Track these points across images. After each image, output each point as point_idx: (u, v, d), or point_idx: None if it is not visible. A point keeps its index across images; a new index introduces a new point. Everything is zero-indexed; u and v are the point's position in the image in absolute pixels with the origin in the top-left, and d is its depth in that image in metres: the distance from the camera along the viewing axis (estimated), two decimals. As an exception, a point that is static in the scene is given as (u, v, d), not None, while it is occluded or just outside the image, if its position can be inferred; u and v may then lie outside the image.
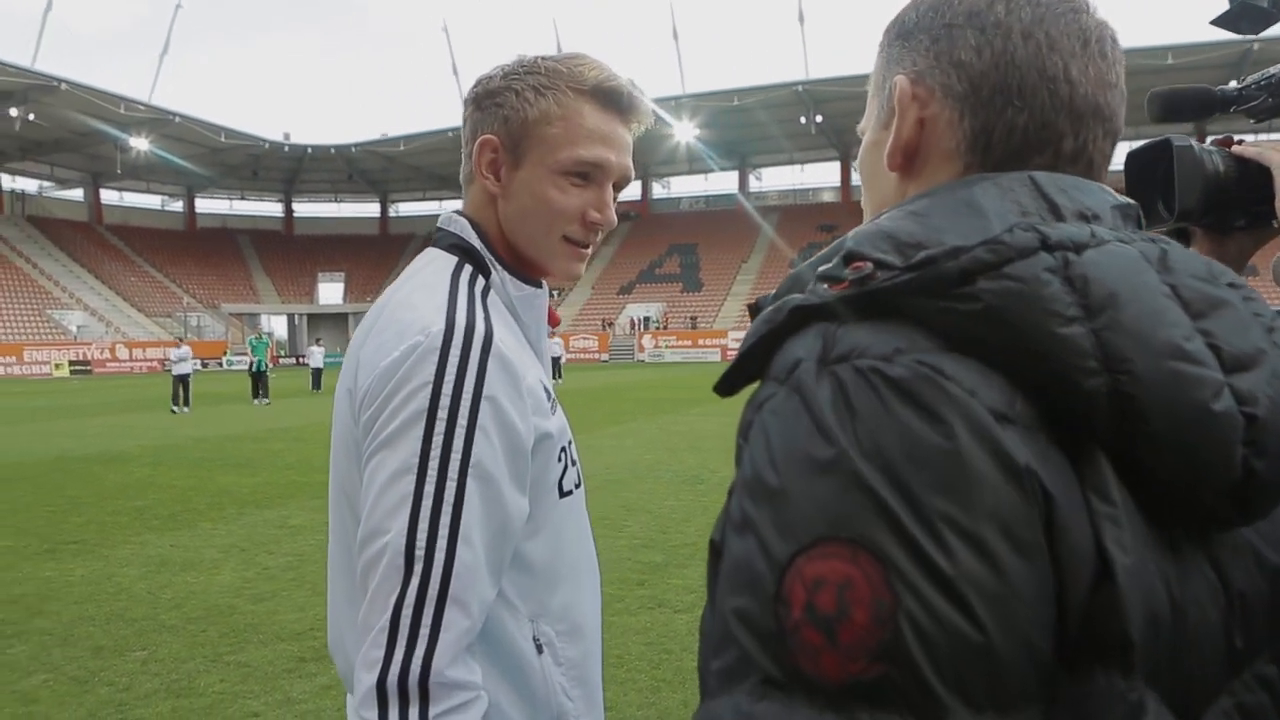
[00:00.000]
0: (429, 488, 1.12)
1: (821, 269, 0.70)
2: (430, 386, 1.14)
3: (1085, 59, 0.75)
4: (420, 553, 1.11)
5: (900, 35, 0.81)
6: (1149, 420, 0.59)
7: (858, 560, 0.55)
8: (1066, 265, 0.62)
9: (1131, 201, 0.76)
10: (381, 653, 1.09)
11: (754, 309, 0.78)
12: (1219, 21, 1.25)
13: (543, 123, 1.31)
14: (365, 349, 1.23)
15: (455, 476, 1.13)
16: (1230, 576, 0.65)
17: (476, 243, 1.33)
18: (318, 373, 30.31)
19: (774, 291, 0.76)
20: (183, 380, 22.62)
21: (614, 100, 1.34)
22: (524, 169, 1.32)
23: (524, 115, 1.31)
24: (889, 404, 0.58)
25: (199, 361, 53.91)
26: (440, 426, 1.13)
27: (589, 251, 1.39)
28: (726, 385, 0.73)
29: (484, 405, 1.15)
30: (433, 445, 1.13)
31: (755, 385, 0.70)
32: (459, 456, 1.13)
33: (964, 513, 0.56)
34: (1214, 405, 0.60)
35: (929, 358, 0.60)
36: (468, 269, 1.31)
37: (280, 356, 25.52)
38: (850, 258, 0.67)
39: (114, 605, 5.95)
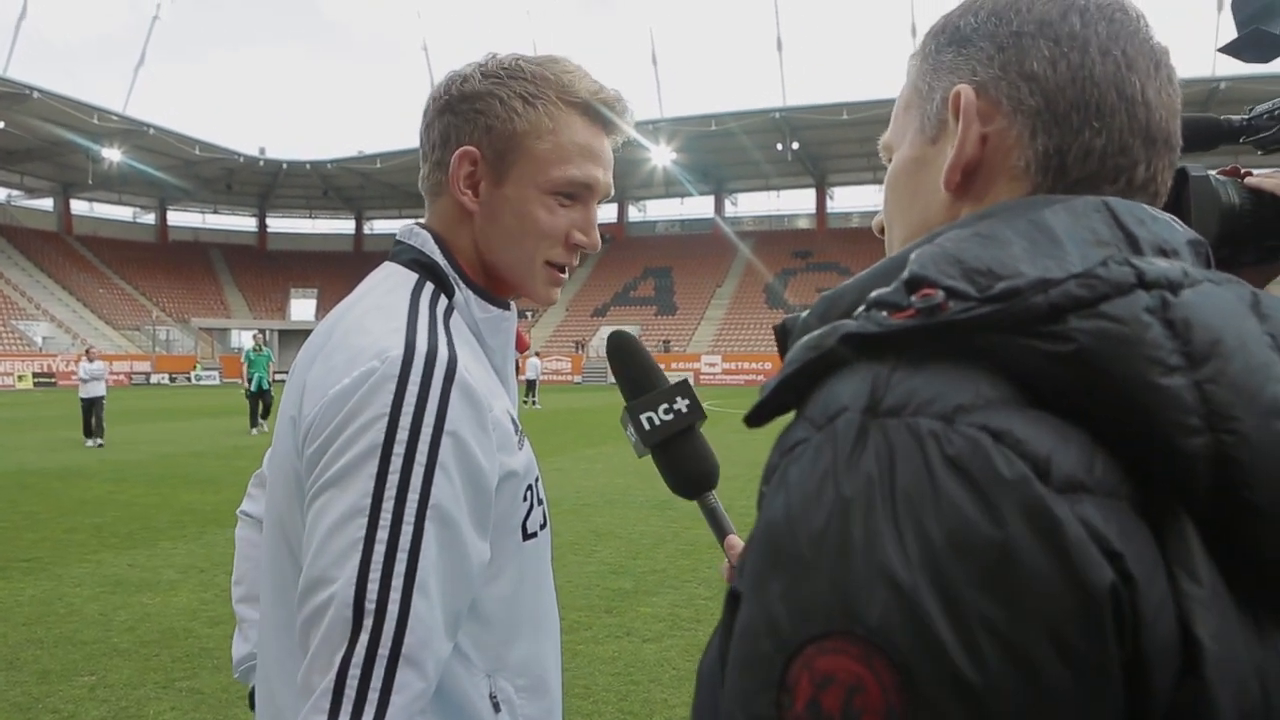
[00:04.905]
0: (382, 532, 1.00)
1: (877, 293, 0.60)
2: (386, 419, 1.02)
3: (1158, 82, 0.69)
4: (371, 605, 0.98)
5: (954, 41, 0.73)
6: (1253, 488, 0.51)
7: (871, 662, 0.49)
8: (1165, 306, 0.55)
9: (1202, 238, 0.68)
10: (324, 718, 0.97)
11: (781, 332, 0.71)
12: (1229, 49, 1.19)
13: (531, 136, 1.20)
14: (312, 373, 1.11)
15: (412, 519, 1.01)
16: None
17: (440, 259, 1.22)
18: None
19: (804, 313, 0.68)
20: (93, 404, 17.09)
21: (604, 115, 1.24)
22: (508, 186, 1.21)
23: (511, 127, 1.19)
24: (937, 479, 0.51)
25: (165, 375, 53.44)
26: (396, 464, 1.01)
27: (567, 276, 1.29)
28: (757, 418, 0.64)
29: (445, 440, 1.04)
30: (387, 484, 1.01)
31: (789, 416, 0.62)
32: (416, 497, 1.01)
33: (1006, 615, 0.48)
34: None
35: (995, 419, 0.52)
36: (429, 287, 1.19)
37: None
38: (915, 283, 0.58)
39: (64, 627, 5.75)
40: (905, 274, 0.59)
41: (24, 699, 4.58)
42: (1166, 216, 0.67)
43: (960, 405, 0.53)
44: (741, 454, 9.94)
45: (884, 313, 0.58)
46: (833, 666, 0.50)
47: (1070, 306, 0.54)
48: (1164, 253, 0.62)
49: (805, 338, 0.61)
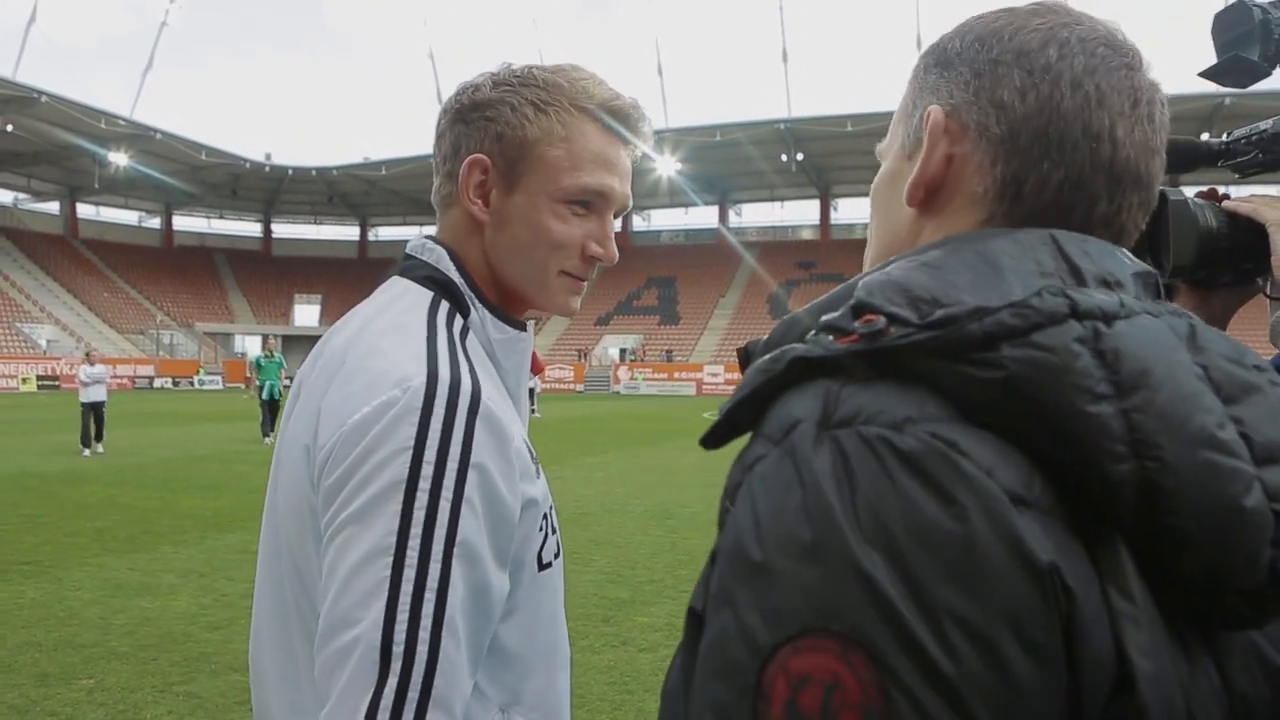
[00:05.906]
0: (409, 571, 0.96)
1: (826, 318, 0.64)
2: (409, 452, 0.98)
3: (1133, 120, 0.70)
4: (399, 648, 0.94)
5: (939, 63, 0.75)
6: (1177, 514, 0.54)
7: (849, 658, 0.50)
8: (1097, 337, 0.57)
9: (1151, 269, 0.70)
10: None
11: (744, 355, 0.73)
12: (1208, 74, 1.20)
13: (543, 143, 1.16)
14: (328, 399, 1.05)
15: (439, 558, 0.97)
16: (1233, 678, 0.59)
17: (456, 276, 1.17)
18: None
19: (766, 337, 0.71)
20: (94, 409, 16.28)
21: (619, 121, 1.21)
22: (519, 195, 1.17)
23: (522, 134, 1.15)
24: (896, 479, 0.53)
25: (169, 380, 53.44)
26: (422, 499, 0.97)
27: (585, 284, 1.25)
28: (714, 439, 0.67)
29: (471, 474, 1.00)
30: (413, 522, 0.97)
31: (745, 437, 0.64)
32: (443, 534, 0.97)
33: (973, 607, 0.50)
34: (1245, 501, 0.54)
35: (942, 429, 0.55)
36: (444, 306, 1.14)
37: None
38: (860, 309, 0.62)
39: (63, 631, 5.77)
40: (852, 300, 0.63)
41: (22, 701, 4.59)
42: (1118, 249, 0.69)
43: (908, 417, 0.56)
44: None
45: (830, 337, 0.61)
46: (809, 666, 0.51)
47: (1003, 335, 0.57)
48: (1107, 284, 0.64)
49: (758, 361, 0.64)
